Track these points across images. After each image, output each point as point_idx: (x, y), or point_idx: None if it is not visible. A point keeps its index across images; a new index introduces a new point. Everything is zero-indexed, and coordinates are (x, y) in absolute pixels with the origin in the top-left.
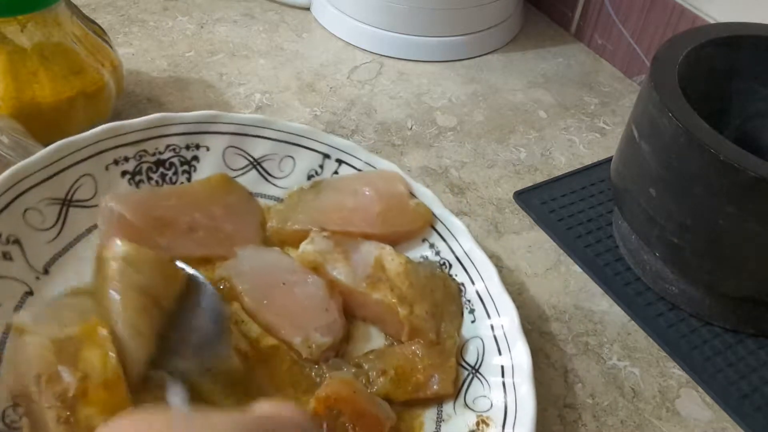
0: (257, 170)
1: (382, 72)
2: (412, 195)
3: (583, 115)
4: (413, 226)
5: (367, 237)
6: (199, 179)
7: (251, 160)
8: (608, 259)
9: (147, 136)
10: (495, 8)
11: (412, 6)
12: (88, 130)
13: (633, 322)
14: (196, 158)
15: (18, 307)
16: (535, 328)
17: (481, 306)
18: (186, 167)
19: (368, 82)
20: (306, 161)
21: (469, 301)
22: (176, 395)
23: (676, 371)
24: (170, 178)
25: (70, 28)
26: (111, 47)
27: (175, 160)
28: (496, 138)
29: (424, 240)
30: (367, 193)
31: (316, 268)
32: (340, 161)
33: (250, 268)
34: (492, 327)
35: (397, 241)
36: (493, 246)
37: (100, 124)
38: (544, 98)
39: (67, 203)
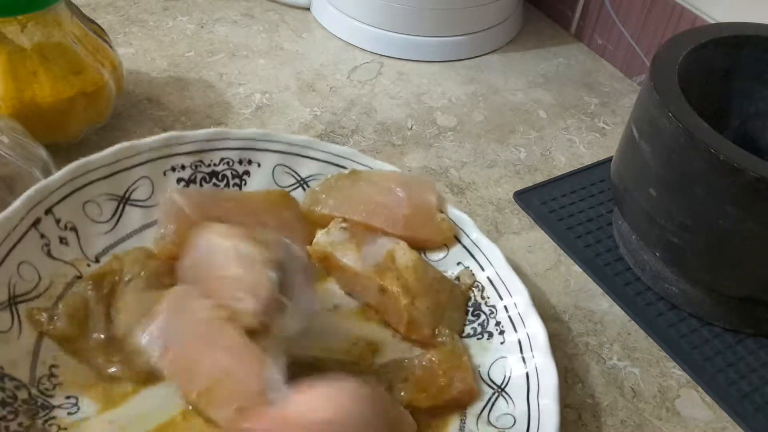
0: (303, 189)
1: (382, 72)
2: (441, 210)
3: (583, 115)
4: (434, 237)
5: (387, 235)
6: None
7: (298, 178)
8: (608, 259)
9: (204, 148)
10: (495, 8)
11: (412, 6)
12: (88, 130)
13: (633, 322)
14: (247, 173)
15: (67, 288)
16: None
17: (512, 327)
18: (237, 180)
19: (368, 82)
20: None
21: (499, 323)
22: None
23: (676, 371)
24: (221, 189)
25: (70, 28)
26: (111, 47)
27: (227, 172)
28: (496, 138)
29: (458, 263)
30: (399, 193)
31: (326, 257)
32: None
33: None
34: (521, 350)
35: (414, 247)
36: None
37: (100, 124)
38: (544, 98)
39: (124, 201)
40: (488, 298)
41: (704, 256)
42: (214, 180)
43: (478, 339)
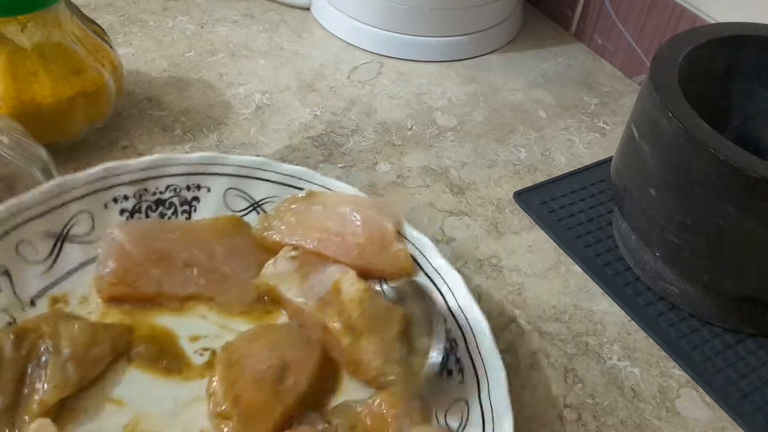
0: (258, 212)
1: (382, 72)
2: (401, 237)
3: (583, 115)
4: (389, 268)
5: (339, 264)
6: (199, 219)
7: (252, 202)
8: (608, 259)
9: (147, 176)
10: (495, 8)
11: (412, 6)
12: (88, 130)
13: (633, 322)
14: (196, 198)
15: None
16: (535, 328)
17: (471, 366)
18: (186, 207)
19: (368, 82)
20: None
21: (459, 359)
22: None
23: (676, 371)
24: (169, 218)
25: (70, 28)
26: (111, 47)
27: (175, 200)
28: (496, 138)
29: None
30: (355, 220)
31: (270, 291)
32: None
33: None
34: (479, 391)
35: (370, 277)
36: (493, 246)
37: (100, 124)
38: (544, 98)
39: (62, 238)
40: (449, 330)
41: (704, 256)
42: (160, 208)
43: (438, 377)
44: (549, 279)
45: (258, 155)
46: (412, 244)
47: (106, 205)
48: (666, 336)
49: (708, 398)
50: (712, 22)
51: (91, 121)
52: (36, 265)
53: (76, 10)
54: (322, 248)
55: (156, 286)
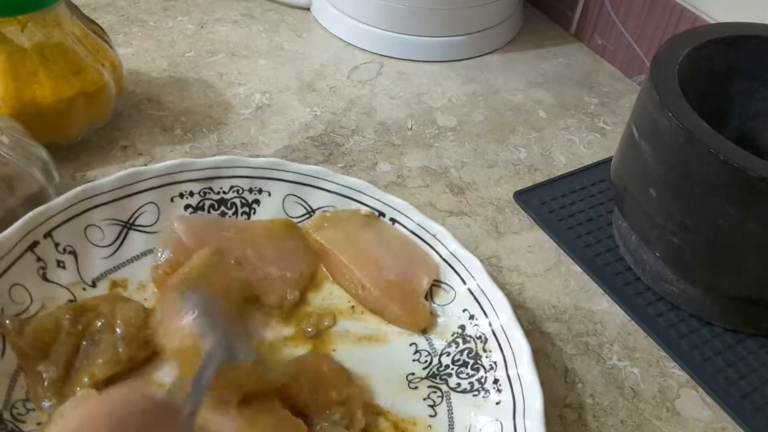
0: None
1: (382, 72)
2: (430, 298)
3: (583, 115)
4: (406, 317)
5: (362, 292)
6: (256, 220)
7: (309, 209)
8: (608, 259)
9: (214, 175)
10: (495, 8)
11: (412, 6)
12: (88, 130)
13: (633, 322)
14: (257, 201)
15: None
16: (535, 328)
17: (509, 388)
18: (246, 209)
19: (368, 82)
20: None
21: (497, 380)
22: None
23: (676, 371)
24: (229, 217)
25: (70, 28)
26: (111, 47)
27: (237, 200)
28: (496, 138)
29: (464, 310)
30: (396, 258)
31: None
32: (393, 220)
33: None
34: (514, 414)
35: (384, 319)
36: (493, 246)
37: (100, 124)
38: (544, 98)
39: (128, 226)
40: (490, 351)
41: (704, 256)
42: (222, 208)
43: (474, 396)
44: (549, 279)
45: (258, 155)
46: (460, 262)
47: (172, 199)
48: (666, 336)
49: (708, 398)
50: (712, 22)
51: (91, 121)
52: (101, 248)
53: (76, 10)
54: (355, 266)
55: None
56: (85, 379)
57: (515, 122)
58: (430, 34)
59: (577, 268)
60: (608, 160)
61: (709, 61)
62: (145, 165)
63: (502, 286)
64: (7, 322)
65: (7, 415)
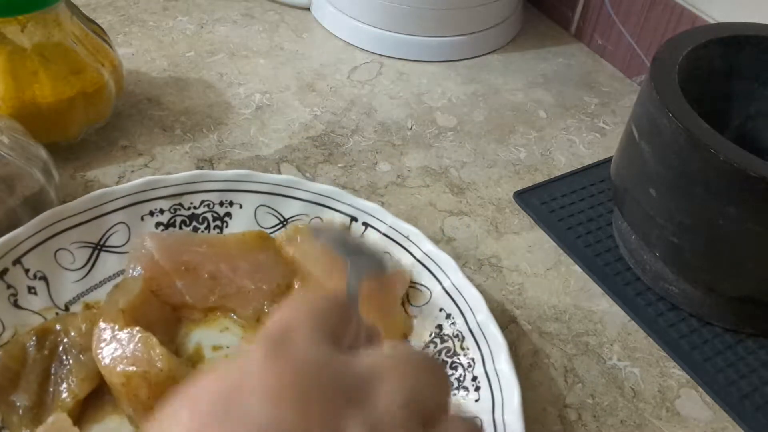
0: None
1: (382, 72)
2: (407, 301)
3: (583, 115)
4: (382, 323)
5: None
6: (228, 233)
7: (282, 219)
8: (608, 259)
9: (183, 191)
10: (495, 8)
11: (412, 6)
12: (88, 130)
13: (633, 322)
14: (228, 215)
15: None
16: (535, 328)
17: (487, 384)
18: (218, 222)
19: (368, 82)
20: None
21: (476, 377)
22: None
23: (676, 371)
24: (202, 233)
25: (70, 28)
26: (111, 47)
27: (208, 215)
28: (496, 138)
29: (441, 309)
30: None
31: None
32: (366, 224)
33: None
34: (493, 410)
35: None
36: (493, 246)
37: (100, 124)
38: (544, 98)
39: (99, 248)
40: (467, 349)
41: (704, 256)
42: (194, 223)
43: (454, 395)
44: (549, 279)
45: (257, 155)
46: (435, 262)
47: (142, 218)
48: (666, 336)
49: (708, 398)
50: (712, 22)
51: (91, 121)
52: (72, 272)
53: (76, 10)
54: (326, 278)
55: (180, 296)
56: (67, 400)
57: (515, 122)
58: (430, 34)
59: (577, 268)
60: (608, 160)
61: (709, 61)
62: (146, 165)
63: (502, 286)
64: None
65: None
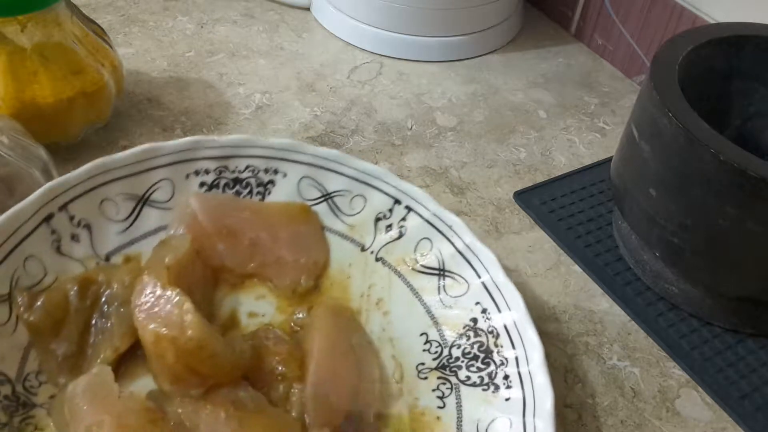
0: (328, 204)
1: (382, 72)
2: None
3: (583, 115)
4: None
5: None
6: (272, 201)
7: (324, 192)
8: (608, 259)
9: (231, 154)
10: (495, 8)
11: (412, 6)
12: (88, 130)
13: (633, 322)
14: (272, 182)
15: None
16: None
17: (519, 384)
18: (261, 189)
19: (368, 82)
20: (376, 203)
21: (507, 376)
22: None
23: (676, 371)
24: (243, 197)
25: (70, 28)
26: (111, 47)
27: (252, 180)
28: (496, 138)
29: (477, 303)
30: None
31: None
32: (409, 208)
33: None
34: (524, 412)
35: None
36: (493, 246)
37: (100, 124)
38: (544, 98)
39: (143, 201)
40: (501, 347)
41: (704, 256)
42: (237, 187)
43: (484, 390)
44: (549, 279)
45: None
46: (476, 255)
47: (187, 176)
48: (666, 336)
49: (708, 398)
50: (712, 22)
51: (91, 121)
52: (115, 223)
53: (76, 10)
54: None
55: (219, 259)
56: (108, 352)
57: (515, 122)
58: (430, 34)
59: (577, 268)
60: (608, 160)
61: (709, 61)
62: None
63: None
64: (19, 299)
65: (19, 388)
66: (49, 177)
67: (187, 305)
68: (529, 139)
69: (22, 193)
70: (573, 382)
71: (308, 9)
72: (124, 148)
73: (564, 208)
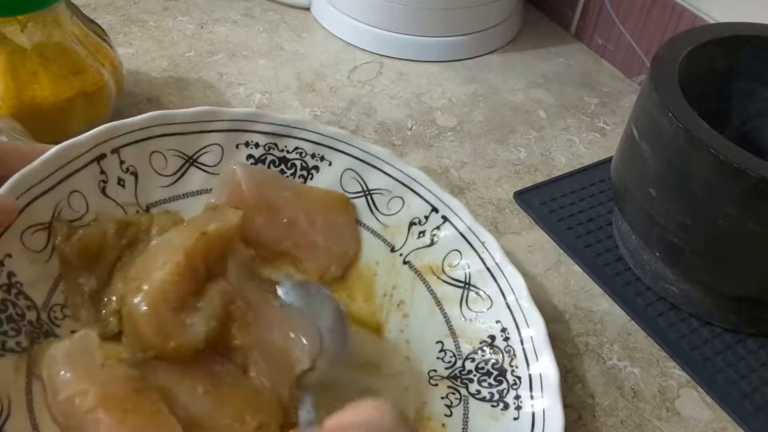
0: (367, 200)
1: (382, 72)
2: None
3: (583, 115)
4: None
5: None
6: (314, 186)
7: (365, 188)
8: (608, 259)
9: (282, 132)
10: (495, 8)
11: (412, 6)
12: (88, 130)
13: (633, 322)
14: (316, 168)
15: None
16: None
17: (530, 405)
18: (304, 173)
19: (368, 82)
20: (414, 207)
21: (519, 396)
22: (308, 412)
23: (676, 371)
24: (287, 177)
25: (70, 28)
26: (111, 47)
27: (297, 162)
28: (496, 138)
29: (497, 321)
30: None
31: None
32: (445, 218)
33: None
34: (533, 429)
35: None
36: None
37: (100, 125)
38: (544, 98)
39: (191, 161)
40: (516, 367)
41: (704, 256)
42: (282, 166)
43: (493, 407)
44: (549, 279)
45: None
46: (504, 275)
47: (237, 146)
48: (666, 336)
49: (708, 398)
50: (712, 22)
51: (91, 121)
52: (161, 177)
53: (76, 10)
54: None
55: (256, 233)
56: (119, 285)
57: (515, 122)
58: (430, 34)
59: (577, 268)
60: (608, 160)
61: (709, 61)
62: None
63: None
64: (59, 229)
65: (44, 316)
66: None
67: (159, 274)
68: (529, 139)
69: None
70: (573, 382)
71: (308, 9)
72: None
73: (564, 208)
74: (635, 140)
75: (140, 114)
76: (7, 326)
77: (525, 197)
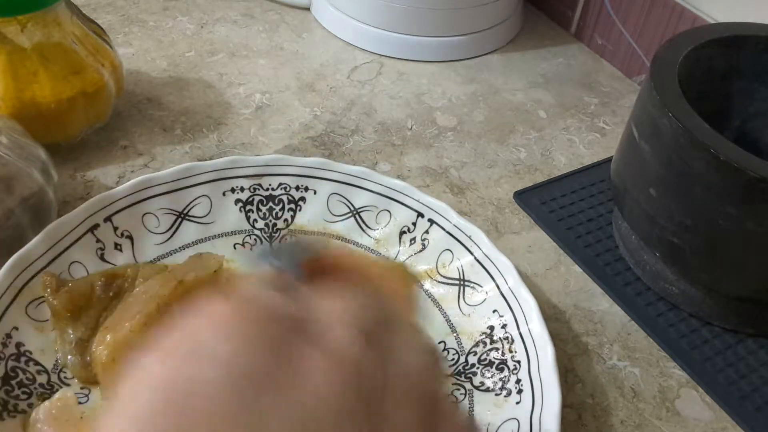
0: (355, 219)
1: (382, 72)
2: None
3: (583, 115)
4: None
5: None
6: (301, 217)
7: (352, 208)
8: (608, 259)
9: (264, 172)
10: (495, 8)
11: (412, 6)
12: (88, 130)
13: (633, 322)
14: (303, 199)
15: None
16: None
17: (530, 388)
18: (292, 206)
19: (368, 82)
20: (401, 217)
21: (519, 380)
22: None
23: (676, 371)
24: (276, 213)
25: (70, 28)
26: (111, 47)
27: (284, 197)
28: (496, 138)
29: (494, 311)
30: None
31: None
32: (431, 221)
33: None
34: (531, 412)
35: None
36: None
37: (100, 124)
38: (544, 98)
39: (182, 216)
40: (515, 352)
41: (704, 256)
42: (270, 204)
43: (496, 395)
44: (549, 279)
45: (258, 155)
46: (494, 264)
47: (224, 193)
48: (666, 336)
49: (708, 398)
50: (712, 22)
51: (91, 121)
52: (156, 235)
53: (76, 10)
54: None
55: None
56: (107, 337)
57: (515, 122)
58: (430, 34)
59: (577, 268)
60: (608, 160)
61: (709, 61)
62: (146, 165)
63: None
64: (53, 283)
65: (54, 378)
66: (48, 177)
67: (127, 324)
68: (529, 139)
69: (21, 193)
70: (573, 382)
71: (308, 9)
72: (124, 148)
73: (564, 208)
74: (635, 140)
75: (140, 114)
76: (18, 391)
77: (525, 197)
